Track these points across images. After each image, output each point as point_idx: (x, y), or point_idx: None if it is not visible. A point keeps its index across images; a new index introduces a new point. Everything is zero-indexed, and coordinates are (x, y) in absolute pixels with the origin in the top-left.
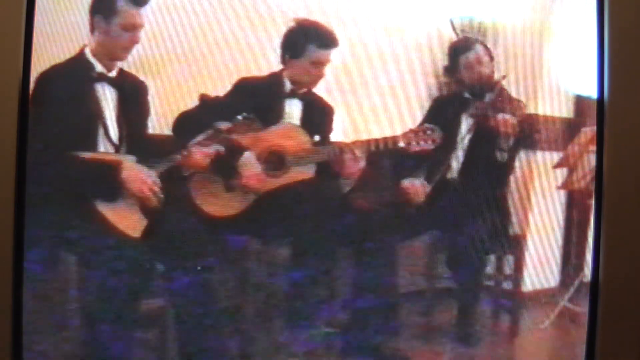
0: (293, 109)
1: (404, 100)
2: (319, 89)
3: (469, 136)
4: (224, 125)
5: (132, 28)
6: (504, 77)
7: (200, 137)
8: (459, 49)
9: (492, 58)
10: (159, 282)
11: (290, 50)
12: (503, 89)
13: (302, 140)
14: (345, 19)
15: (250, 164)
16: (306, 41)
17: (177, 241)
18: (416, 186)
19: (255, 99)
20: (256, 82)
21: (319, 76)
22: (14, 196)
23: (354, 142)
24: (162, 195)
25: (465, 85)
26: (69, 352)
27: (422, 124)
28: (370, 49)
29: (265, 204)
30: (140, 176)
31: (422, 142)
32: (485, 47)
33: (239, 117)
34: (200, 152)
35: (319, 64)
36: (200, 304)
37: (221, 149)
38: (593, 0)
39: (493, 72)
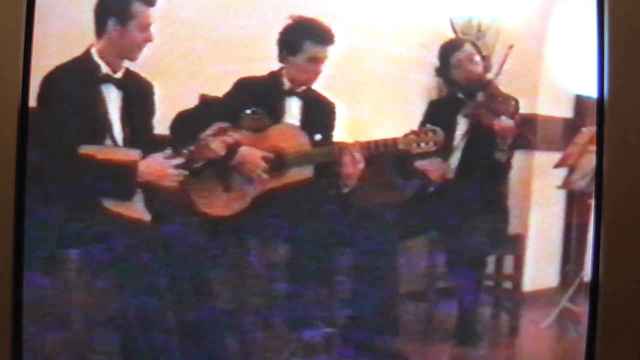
0: (292, 108)
1: (403, 99)
2: (319, 86)
3: (466, 137)
4: (226, 124)
5: (145, 27)
6: (510, 47)
7: (203, 135)
8: (448, 49)
9: (483, 57)
10: (158, 282)
11: (286, 47)
12: (495, 87)
13: (301, 141)
14: (344, 18)
15: (249, 155)
16: (302, 37)
17: (177, 239)
18: (434, 164)
19: (255, 99)
20: (255, 81)
21: (316, 73)
22: (14, 196)
23: (354, 144)
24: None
25: (457, 85)
26: (69, 353)
27: (423, 124)
28: (368, 48)
29: (264, 204)
30: (161, 169)
31: (423, 144)
32: (475, 45)
33: (248, 112)
34: (207, 149)
35: (316, 61)
36: (199, 304)
37: (220, 147)
38: (593, 0)
39: (485, 70)
